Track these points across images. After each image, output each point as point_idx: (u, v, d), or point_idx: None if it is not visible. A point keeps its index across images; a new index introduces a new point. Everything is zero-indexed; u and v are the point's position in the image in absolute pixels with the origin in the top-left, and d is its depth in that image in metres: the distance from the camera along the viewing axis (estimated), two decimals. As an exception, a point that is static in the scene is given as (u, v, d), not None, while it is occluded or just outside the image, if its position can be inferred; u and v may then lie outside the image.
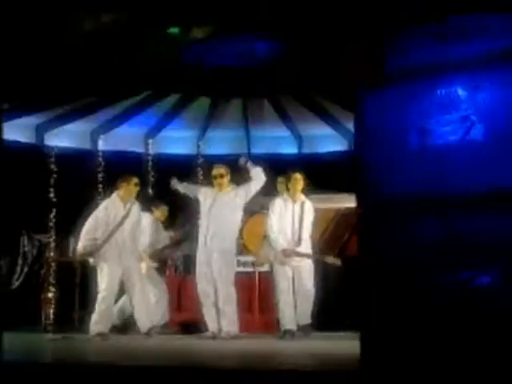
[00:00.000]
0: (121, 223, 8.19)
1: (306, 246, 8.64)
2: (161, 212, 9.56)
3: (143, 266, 8.80)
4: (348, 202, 17.01)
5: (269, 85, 10.86)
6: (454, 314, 3.84)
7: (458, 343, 3.81)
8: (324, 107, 12.91)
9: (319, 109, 12.98)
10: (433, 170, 4.43)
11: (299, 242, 8.51)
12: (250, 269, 8.85)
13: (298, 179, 8.63)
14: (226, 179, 7.77)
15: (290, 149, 14.43)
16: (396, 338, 4.08)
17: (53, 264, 12.26)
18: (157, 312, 8.46)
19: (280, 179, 9.95)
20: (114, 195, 8.46)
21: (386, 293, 4.09)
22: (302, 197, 8.75)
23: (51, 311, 11.74)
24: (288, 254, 8.24)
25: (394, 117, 4.62)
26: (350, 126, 13.69)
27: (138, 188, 8.55)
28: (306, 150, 14.43)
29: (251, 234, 9.61)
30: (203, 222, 7.90)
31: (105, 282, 7.93)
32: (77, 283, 11.10)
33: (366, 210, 4.45)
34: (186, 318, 8.66)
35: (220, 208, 7.72)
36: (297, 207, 8.71)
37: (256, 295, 8.51)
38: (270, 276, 8.78)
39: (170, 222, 10.72)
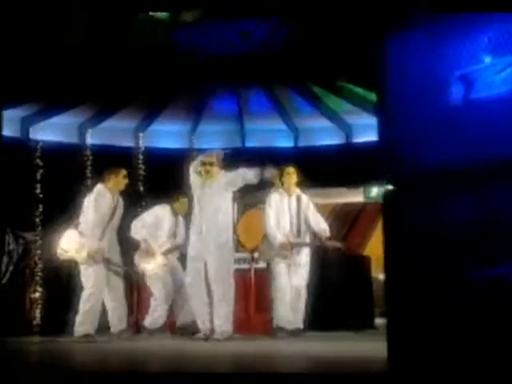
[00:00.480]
0: (111, 217, 7.72)
1: (306, 239, 8.34)
2: (180, 205, 8.70)
3: (155, 263, 8.23)
4: (346, 196, 16.83)
5: (263, 73, 10.38)
6: (492, 310, 3.17)
7: (497, 345, 3.13)
8: (320, 97, 12.47)
9: (316, 99, 12.53)
10: (474, 133, 3.55)
11: (298, 235, 8.21)
12: (245, 266, 8.40)
13: (291, 173, 8.37)
14: (216, 168, 7.22)
15: (285, 142, 13.99)
16: (426, 336, 3.41)
17: (39, 263, 11.77)
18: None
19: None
20: (102, 187, 7.91)
21: (414, 286, 3.45)
22: (297, 190, 8.44)
23: (38, 312, 11.26)
24: (285, 246, 7.88)
25: (424, 65, 3.69)
26: (348, 117, 13.34)
27: (126, 181, 8.03)
28: (302, 143, 14.00)
29: (246, 230, 9.21)
30: (194, 213, 7.42)
31: (92, 279, 7.44)
32: (65, 283, 10.60)
33: (390, 189, 3.80)
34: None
35: (210, 196, 7.20)
36: (293, 201, 8.41)
37: (252, 293, 8.06)
38: (266, 273, 8.34)
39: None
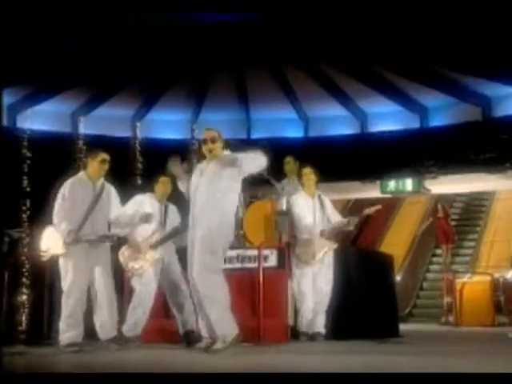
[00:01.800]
0: (92, 206, 6.70)
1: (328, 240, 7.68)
2: (162, 185, 7.39)
3: (143, 260, 7.11)
4: (360, 191, 16.00)
5: (271, 54, 9.42)
6: None
7: None
8: (335, 81, 11.52)
9: (329, 83, 11.58)
10: None
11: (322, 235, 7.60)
12: (252, 264, 7.42)
13: (309, 173, 7.69)
14: (219, 145, 5.99)
15: (294, 132, 13.09)
16: None
17: (26, 262, 10.81)
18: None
19: (287, 159, 8.76)
20: (81, 174, 6.91)
21: None
22: (317, 190, 7.81)
23: (23, 317, 10.26)
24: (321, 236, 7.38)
25: None
26: (363, 104, 12.43)
27: (105, 166, 6.91)
28: (313, 133, 13.09)
29: (253, 224, 8.23)
30: (191, 200, 6.31)
31: (70, 270, 6.44)
32: (53, 284, 9.61)
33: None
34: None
35: (209, 178, 6.02)
36: (316, 202, 7.73)
37: (260, 296, 7.06)
38: (276, 273, 7.38)
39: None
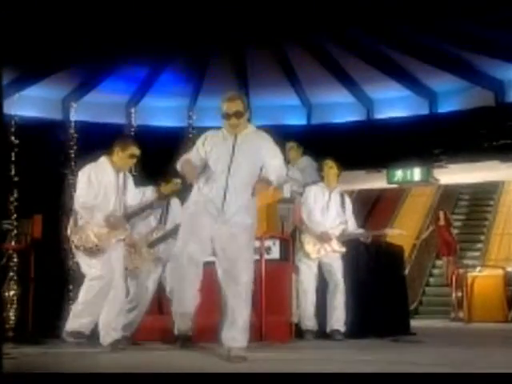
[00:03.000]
0: (115, 197, 6.23)
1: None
2: (171, 186, 6.87)
3: (139, 259, 6.54)
4: (365, 181, 15.57)
5: (271, 30, 8.89)
6: None
7: None
8: (340, 63, 11.00)
9: (334, 66, 11.05)
10: None
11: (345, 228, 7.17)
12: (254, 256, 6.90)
13: (332, 166, 7.29)
14: (245, 119, 5.26)
15: (297, 119, 12.61)
16: None
17: (14, 256, 10.32)
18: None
19: (291, 144, 8.30)
20: (104, 158, 6.38)
21: None
22: (338, 184, 7.40)
23: (12, 314, 9.77)
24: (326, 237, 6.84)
25: None
26: (369, 89, 11.94)
27: (131, 161, 6.43)
28: (316, 120, 12.61)
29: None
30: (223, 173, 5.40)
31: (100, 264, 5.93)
32: (45, 278, 9.11)
33: None
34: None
35: (245, 153, 5.27)
36: (336, 195, 7.29)
37: (262, 291, 6.56)
38: (280, 266, 6.92)
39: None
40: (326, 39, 10.17)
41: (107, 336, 5.91)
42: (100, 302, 5.92)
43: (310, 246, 7.23)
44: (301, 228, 7.33)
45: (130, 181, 6.38)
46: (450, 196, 16.12)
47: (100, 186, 6.08)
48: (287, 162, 8.83)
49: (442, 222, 12.87)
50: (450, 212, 14.28)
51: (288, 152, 8.42)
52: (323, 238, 7.05)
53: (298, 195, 8.22)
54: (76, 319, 5.91)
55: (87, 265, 6.07)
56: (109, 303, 5.98)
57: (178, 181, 6.99)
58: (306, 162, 8.49)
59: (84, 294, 5.91)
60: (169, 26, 9.02)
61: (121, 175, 6.25)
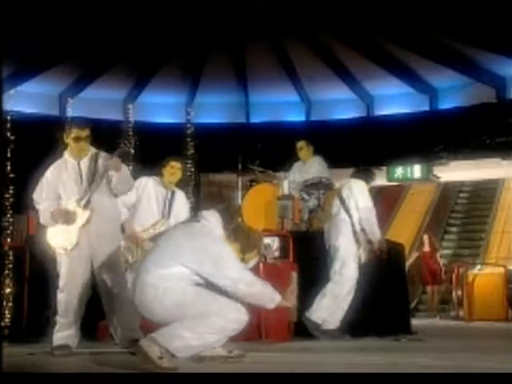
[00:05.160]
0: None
1: None
2: (172, 170, 6.63)
3: (141, 248, 6.26)
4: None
5: (271, 25, 8.79)
6: None
7: None
8: (340, 59, 10.91)
9: (334, 62, 10.96)
10: None
11: None
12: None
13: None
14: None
15: (296, 115, 12.54)
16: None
17: (10, 252, 10.21)
18: None
19: (300, 144, 8.14)
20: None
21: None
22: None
23: (7, 312, 9.64)
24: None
25: None
26: (369, 85, 11.84)
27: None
28: (315, 117, 12.54)
29: (252, 209, 7.63)
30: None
31: (64, 264, 5.73)
32: (40, 276, 8.99)
33: None
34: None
35: None
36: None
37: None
38: (279, 263, 6.80)
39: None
40: (325, 35, 10.08)
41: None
42: (76, 314, 5.70)
43: None
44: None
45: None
46: (450, 193, 16.05)
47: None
48: (286, 160, 8.77)
49: (426, 248, 11.93)
50: (438, 235, 13.78)
51: (299, 152, 8.29)
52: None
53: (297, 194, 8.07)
54: (57, 333, 5.72)
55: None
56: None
57: (177, 164, 6.66)
58: (317, 161, 8.29)
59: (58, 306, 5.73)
60: (168, 21, 8.91)
61: (83, 162, 5.91)
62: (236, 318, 3.94)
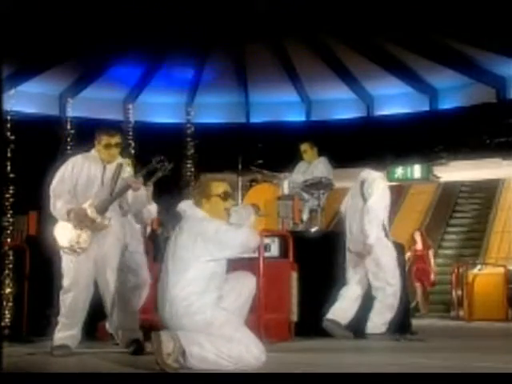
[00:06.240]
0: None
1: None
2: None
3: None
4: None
5: (271, 25, 8.79)
6: None
7: None
8: (340, 60, 10.91)
9: (334, 62, 10.96)
10: None
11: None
12: (251, 254, 6.80)
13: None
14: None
15: (296, 115, 12.54)
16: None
17: (10, 252, 10.22)
18: None
19: (304, 147, 8.13)
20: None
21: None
22: None
23: (7, 312, 9.65)
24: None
25: None
26: (369, 85, 11.84)
27: (107, 151, 6.15)
28: (315, 117, 12.54)
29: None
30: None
31: (72, 268, 5.67)
32: (40, 276, 8.99)
33: None
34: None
35: None
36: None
37: (261, 289, 6.44)
38: (279, 263, 6.80)
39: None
40: (325, 35, 10.08)
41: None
42: (80, 315, 5.62)
43: None
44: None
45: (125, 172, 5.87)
46: (450, 193, 16.05)
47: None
48: (288, 160, 8.75)
49: (418, 246, 11.41)
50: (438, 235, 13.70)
51: (303, 154, 8.28)
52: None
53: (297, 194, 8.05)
54: (58, 333, 5.66)
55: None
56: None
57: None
58: (322, 162, 8.25)
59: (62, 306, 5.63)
60: (168, 21, 8.90)
61: (109, 168, 5.73)
62: (256, 355, 4.01)
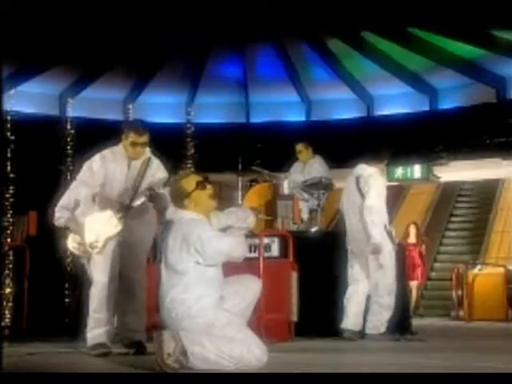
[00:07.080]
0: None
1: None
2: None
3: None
4: None
5: (271, 25, 8.78)
6: None
7: None
8: (340, 59, 10.90)
9: (334, 61, 10.96)
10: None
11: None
12: (252, 254, 6.81)
13: None
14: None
15: (296, 115, 12.53)
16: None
17: (10, 252, 10.21)
18: None
19: (299, 148, 8.14)
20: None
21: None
22: None
23: (7, 312, 9.63)
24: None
25: None
26: (369, 85, 11.83)
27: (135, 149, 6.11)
28: (315, 117, 12.53)
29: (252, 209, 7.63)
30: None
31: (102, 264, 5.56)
32: (40, 276, 8.98)
33: None
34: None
35: None
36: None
37: (261, 289, 6.43)
38: (279, 263, 6.79)
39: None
40: (325, 34, 10.08)
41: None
42: (111, 309, 5.50)
43: None
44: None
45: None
46: (450, 193, 16.06)
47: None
48: (286, 160, 8.75)
49: (412, 240, 10.84)
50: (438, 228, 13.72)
51: (298, 155, 8.29)
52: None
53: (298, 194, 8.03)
54: (93, 330, 5.49)
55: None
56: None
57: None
58: (318, 161, 8.26)
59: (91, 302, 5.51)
60: (168, 21, 8.90)
61: (134, 164, 5.60)
62: (258, 355, 3.97)
